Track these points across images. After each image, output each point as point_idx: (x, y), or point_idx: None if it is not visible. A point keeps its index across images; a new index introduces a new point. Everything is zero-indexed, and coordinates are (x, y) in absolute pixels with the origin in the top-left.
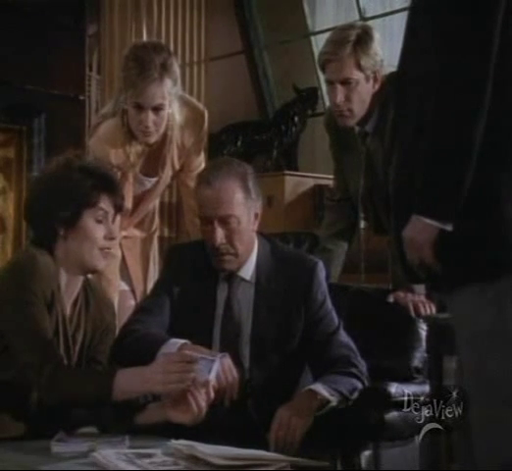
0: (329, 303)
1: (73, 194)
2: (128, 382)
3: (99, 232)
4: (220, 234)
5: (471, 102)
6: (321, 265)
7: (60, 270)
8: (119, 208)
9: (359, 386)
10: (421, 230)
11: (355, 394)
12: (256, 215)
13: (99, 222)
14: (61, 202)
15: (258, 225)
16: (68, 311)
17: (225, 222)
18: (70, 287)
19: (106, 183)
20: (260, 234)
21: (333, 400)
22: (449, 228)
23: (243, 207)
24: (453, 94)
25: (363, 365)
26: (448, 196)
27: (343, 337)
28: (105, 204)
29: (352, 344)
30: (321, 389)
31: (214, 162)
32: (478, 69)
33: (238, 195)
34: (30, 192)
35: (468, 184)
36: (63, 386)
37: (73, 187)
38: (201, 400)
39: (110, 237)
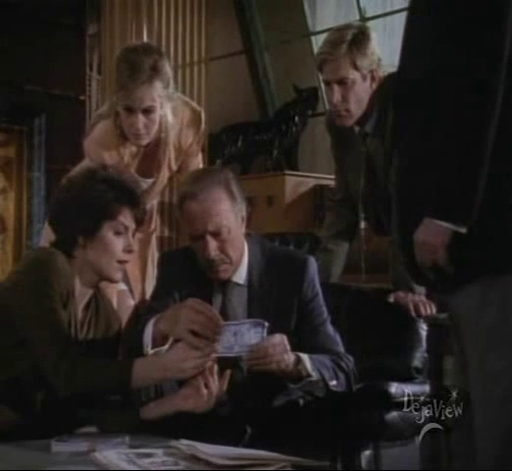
0: (320, 299)
1: (93, 205)
2: (147, 369)
3: (118, 244)
4: (213, 246)
5: (483, 103)
6: (311, 260)
7: (75, 275)
8: (140, 222)
9: (342, 378)
10: (435, 232)
11: (334, 383)
12: (243, 218)
13: (118, 234)
14: (82, 212)
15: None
16: (79, 316)
17: (216, 234)
18: (82, 293)
19: (128, 196)
20: (247, 235)
21: (314, 376)
22: (463, 230)
23: (231, 214)
24: (466, 95)
25: (350, 360)
26: (463, 198)
27: (330, 330)
28: (125, 217)
29: (338, 339)
30: (307, 360)
31: (193, 174)
32: (490, 70)
33: (226, 204)
34: (55, 198)
35: (482, 186)
36: (82, 375)
37: (94, 199)
38: (211, 384)
39: (128, 250)
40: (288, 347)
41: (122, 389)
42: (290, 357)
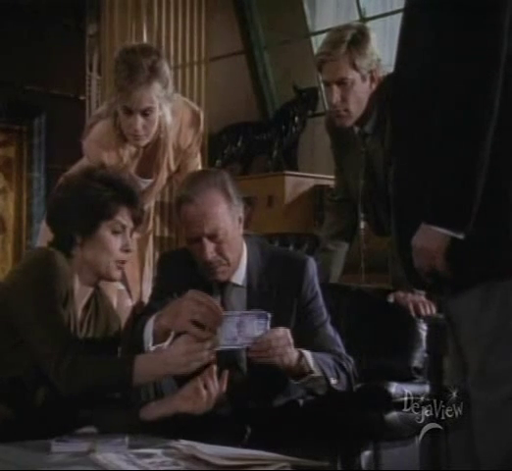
0: (319, 299)
1: (91, 205)
2: (149, 365)
3: (115, 243)
4: (210, 248)
5: (481, 105)
6: (311, 261)
7: (74, 275)
8: (138, 221)
9: (343, 377)
10: (432, 239)
11: (335, 381)
12: (240, 219)
13: (116, 233)
14: (79, 211)
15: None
16: (79, 315)
17: (213, 236)
18: (81, 292)
19: (126, 195)
20: (246, 235)
21: (316, 372)
22: (461, 236)
23: (228, 217)
24: (463, 98)
25: (351, 361)
26: (461, 205)
27: (330, 331)
28: (123, 217)
29: (339, 340)
30: (309, 356)
31: (190, 177)
32: (489, 71)
33: (222, 206)
34: (52, 198)
35: (480, 191)
36: (83, 373)
37: (92, 198)
38: (211, 385)
39: (126, 250)
40: (292, 341)
41: (123, 385)
42: (293, 352)
